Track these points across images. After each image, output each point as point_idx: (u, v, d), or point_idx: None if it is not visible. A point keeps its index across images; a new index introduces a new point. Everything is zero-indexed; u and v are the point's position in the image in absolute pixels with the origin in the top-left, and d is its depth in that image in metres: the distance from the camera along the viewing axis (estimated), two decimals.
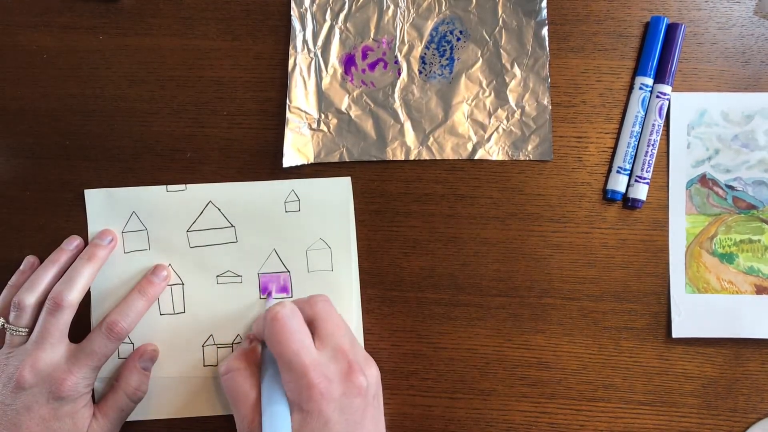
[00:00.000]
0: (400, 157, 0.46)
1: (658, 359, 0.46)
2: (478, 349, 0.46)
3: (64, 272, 0.44)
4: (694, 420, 0.46)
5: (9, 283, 0.45)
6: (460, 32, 0.47)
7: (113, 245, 0.45)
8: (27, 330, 0.42)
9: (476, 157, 0.46)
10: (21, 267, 0.46)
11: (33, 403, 0.40)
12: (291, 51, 0.47)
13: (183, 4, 0.48)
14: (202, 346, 0.46)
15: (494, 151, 0.46)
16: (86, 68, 0.47)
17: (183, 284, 0.46)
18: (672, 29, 0.46)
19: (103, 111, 0.47)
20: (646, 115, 0.46)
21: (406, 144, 0.46)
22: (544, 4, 0.46)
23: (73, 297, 0.42)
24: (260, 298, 0.46)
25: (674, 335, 0.46)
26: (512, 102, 0.46)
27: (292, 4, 0.47)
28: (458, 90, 0.47)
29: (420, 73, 0.47)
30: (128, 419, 0.45)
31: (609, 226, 0.47)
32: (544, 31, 0.46)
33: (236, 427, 0.39)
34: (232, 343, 0.46)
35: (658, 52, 0.46)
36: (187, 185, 0.46)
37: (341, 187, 0.46)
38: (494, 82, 0.46)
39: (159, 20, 0.48)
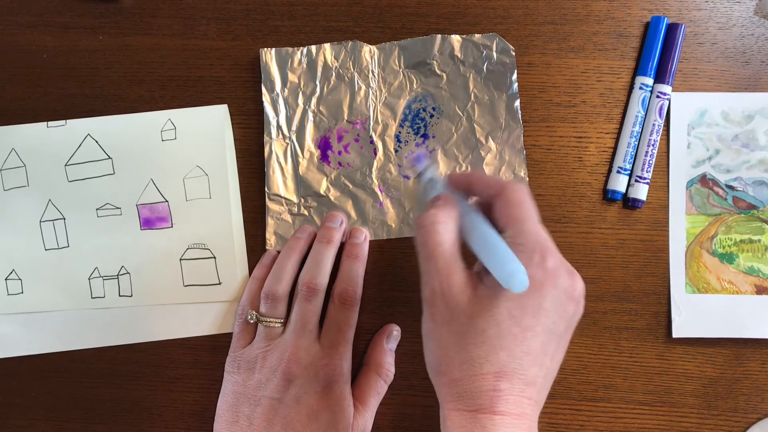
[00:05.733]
0: (382, 236, 0.46)
1: (658, 359, 0.46)
2: None
3: (304, 259, 0.44)
4: (694, 420, 0.46)
5: (252, 275, 0.45)
6: (433, 109, 0.47)
7: (344, 226, 0.45)
8: (281, 320, 0.43)
9: None
10: (262, 260, 0.46)
11: (302, 394, 0.41)
12: (266, 138, 0.46)
13: (183, 4, 0.48)
14: (89, 279, 0.46)
15: None
16: (86, 68, 0.47)
17: (64, 218, 0.46)
18: (672, 29, 0.46)
19: (103, 111, 0.47)
20: (646, 115, 0.46)
21: (387, 223, 0.46)
22: (514, 77, 0.46)
23: (324, 281, 0.43)
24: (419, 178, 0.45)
25: (674, 335, 0.46)
26: None
27: (263, 90, 0.47)
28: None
29: (396, 151, 0.47)
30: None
31: (609, 226, 0.47)
32: (517, 104, 0.46)
33: (423, 284, 0.36)
34: (117, 275, 0.46)
35: (658, 52, 0.46)
36: (68, 120, 0.47)
37: (218, 114, 0.46)
38: (470, 156, 0.46)
39: (159, 20, 0.48)
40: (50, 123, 0.46)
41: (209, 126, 0.46)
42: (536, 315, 0.32)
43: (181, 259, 0.46)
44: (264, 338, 0.43)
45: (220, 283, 0.46)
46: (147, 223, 0.46)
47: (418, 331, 0.46)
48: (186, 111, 0.47)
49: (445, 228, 0.35)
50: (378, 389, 0.44)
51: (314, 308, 0.42)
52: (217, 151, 0.46)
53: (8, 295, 0.46)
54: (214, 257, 0.46)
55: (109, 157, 0.46)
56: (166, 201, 0.46)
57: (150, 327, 0.46)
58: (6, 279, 0.46)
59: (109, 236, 0.46)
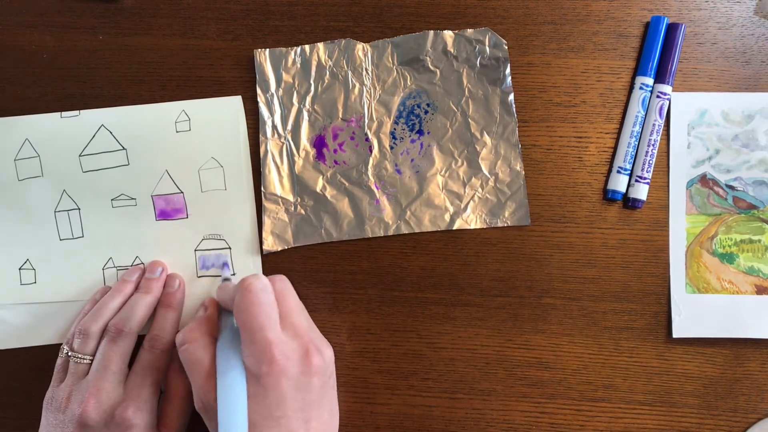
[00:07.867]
0: (379, 233, 0.46)
1: (658, 359, 0.46)
2: (478, 349, 0.46)
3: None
4: (694, 420, 0.46)
5: (82, 310, 0.45)
6: (428, 105, 0.47)
7: (164, 275, 0.46)
8: (90, 357, 0.42)
9: (454, 227, 0.46)
10: (95, 295, 0.46)
11: None
12: (261, 138, 0.46)
13: (183, 4, 0.48)
14: (103, 269, 0.46)
15: (472, 219, 0.46)
16: (86, 68, 0.47)
17: (79, 209, 0.46)
18: (672, 29, 0.46)
19: None
20: (646, 115, 0.46)
21: (384, 220, 0.46)
22: (508, 71, 0.46)
23: (135, 327, 0.43)
24: (220, 277, 0.46)
25: (674, 335, 0.46)
26: (485, 170, 0.46)
27: (258, 91, 0.47)
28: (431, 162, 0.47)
29: (391, 148, 0.47)
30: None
31: (609, 226, 0.47)
32: (511, 98, 0.46)
33: (194, 399, 0.39)
34: (131, 265, 0.46)
35: (658, 52, 0.46)
36: (81, 111, 0.47)
37: (232, 106, 0.47)
38: (465, 151, 0.47)
39: (159, 20, 0.48)
40: (64, 113, 0.47)
41: (223, 117, 0.47)
42: (281, 406, 0.37)
43: (195, 250, 0.46)
44: (72, 375, 0.42)
45: (234, 274, 0.46)
46: (162, 214, 0.46)
47: (417, 330, 0.46)
48: (200, 102, 0.47)
49: (197, 346, 0.39)
50: (180, 411, 0.43)
51: (120, 350, 0.42)
52: (231, 143, 0.46)
53: (21, 284, 0.46)
54: (230, 248, 0.46)
55: (124, 148, 0.46)
56: (182, 192, 0.46)
57: None
58: (20, 269, 0.46)
59: (123, 227, 0.46)
